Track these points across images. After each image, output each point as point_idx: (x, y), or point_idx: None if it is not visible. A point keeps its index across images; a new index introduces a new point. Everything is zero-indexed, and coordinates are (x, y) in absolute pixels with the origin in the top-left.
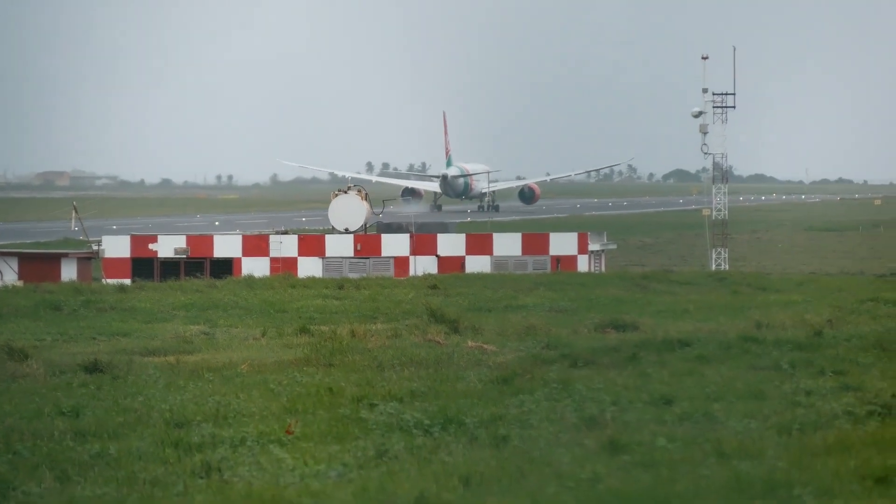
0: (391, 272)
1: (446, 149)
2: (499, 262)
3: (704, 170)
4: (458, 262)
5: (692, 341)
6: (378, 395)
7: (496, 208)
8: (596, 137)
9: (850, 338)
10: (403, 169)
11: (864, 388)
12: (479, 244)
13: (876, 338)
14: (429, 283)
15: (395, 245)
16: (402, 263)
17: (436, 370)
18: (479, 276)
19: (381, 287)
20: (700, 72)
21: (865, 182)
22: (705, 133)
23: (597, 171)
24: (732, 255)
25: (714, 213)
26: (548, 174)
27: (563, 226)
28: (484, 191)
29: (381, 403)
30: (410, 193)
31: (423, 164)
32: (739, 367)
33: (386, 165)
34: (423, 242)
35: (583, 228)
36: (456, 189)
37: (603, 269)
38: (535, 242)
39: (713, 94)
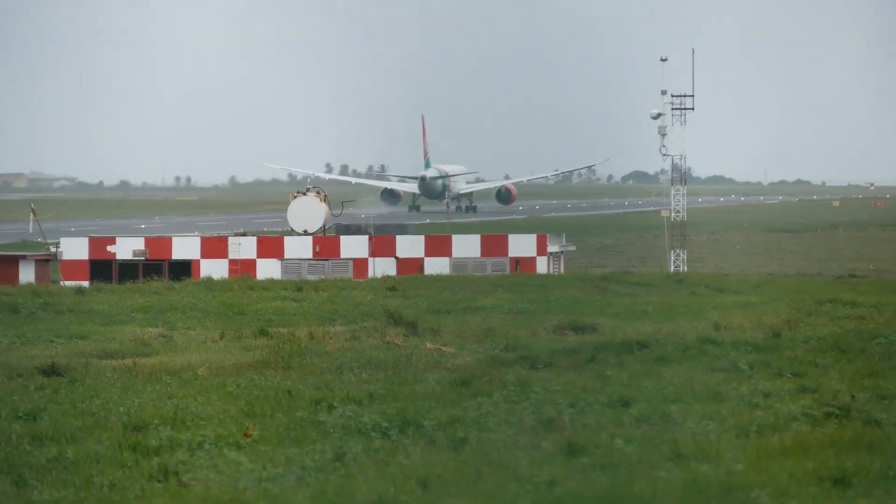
0: (350, 274)
1: (424, 151)
2: (458, 264)
3: (663, 171)
4: (417, 264)
5: (651, 343)
6: (336, 398)
7: (474, 209)
8: (554, 139)
9: (808, 339)
10: (362, 170)
11: (822, 390)
12: (437, 246)
13: (834, 339)
14: (387, 284)
15: (353, 247)
16: (360, 265)
17: (394, 372)
18: (437, 278)
19: (340, 289)
20: (659, 73)
21: (824, 183)
22: (664, 135)
23: (570, 172)
24: (691, 256)
25: (673, 214)
26: (507, 176)
27: (521, 227)
28: (462, 192)
29: (339, 406)
30: (390, 195)
31: (382, 167)
32: (697, 368)
33: (345, 167)
34: (381, 244)
35: (542, 230)
36: (434, 190)
37: (562, 270)
38: (494, 244)
39: (672, 95)
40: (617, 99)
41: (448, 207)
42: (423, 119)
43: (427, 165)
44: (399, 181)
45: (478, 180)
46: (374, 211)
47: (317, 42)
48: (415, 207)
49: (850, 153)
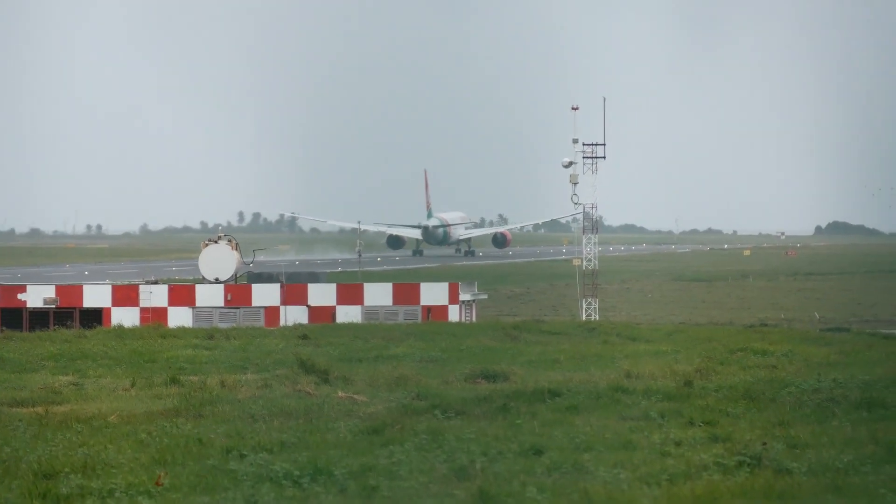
0: (262, 322)
1: (427, 202)
2: (370, 312)
3: (575, 220)
4: (329, 312)
5: (562, 391)
6: (248, 446)
7: (472, 253)
8: (466, 187)
9: (719, 388)
10: (273, 219)
11: (733, 439)
12: (349, 294)
13: (745, 388)
14: (299, 333)
15: (265, 295)
16: (272, 313)
17: (306, 421)
18: (349, 326)
19: (252, 337)
20: (571, 122)
21: (735, 232)
22: (576, 183)
23: (559, 219)
24: (603, 304)
25: (584, 263)
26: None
27: (434, 276)
28: (461, 237)
29: (250, 454)
30: (395, 240)
31: (293, 216)
32: (609, 416)
33: (257, 215)
34: (293, 292)
35: (454, 278)
36: (436, 238)
37: (474, 318)
38: (406, 292)
39: (583, 144)
40: (529, 147)
41: (461, 252)
42: (425, 173)
43: (429, 215)
44: (403, 228)
45: (476, 226)
46: (264, 261)
47: (232, 89)
48: (418, 252)
49: (761, 203)
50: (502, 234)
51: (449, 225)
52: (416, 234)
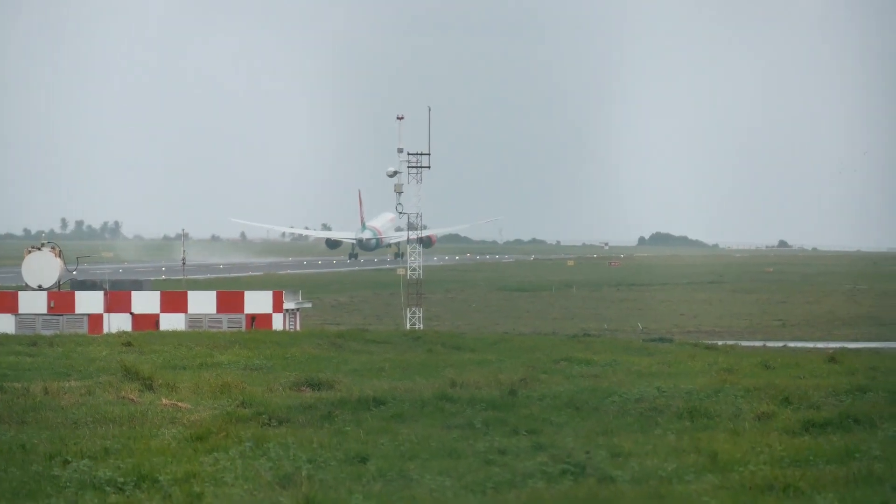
0: (85, 329)
1: (361, 218)
2: (193, 320)
3: (399, 229)
4: (153, 320)
5: (387, 400)
6: (71, 453)
7: (401, 256)
8: (292, 196)
9: (543, 397)
10: (97, 226)
11: (557, 447)
12: (173, 302)
13: (569, 397)
14: (123, 340)
15: (88, 302)
16: (96, 320)
17: (129, 427)
18: (173, 334)
19: (75, 344)
20: (397, 131)
21: (559, 243)
22: (400, 192)
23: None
24: (427, 314)
25: (409, 272)
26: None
27: (258, 284)
28: (392, 241)
29: (74, 460)
30: (333, 243)
31: (117, 223)
32: (434, 425)
33: (80, 223)
34: (117, 300)
35: (278, 287)
36: (369, 247)
37: (298, 327)
38: (230, 300)
39: (409, 153)
40: (358, 154)
41: (391, 256)
42: (359, 194)
43: (363, 228)
44: (341, 234)
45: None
46: (87, 268)
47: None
48: (353, 255)
49: (584, 213)
50: (428, 238)
51: (382, 237)
52: (352, 238)
